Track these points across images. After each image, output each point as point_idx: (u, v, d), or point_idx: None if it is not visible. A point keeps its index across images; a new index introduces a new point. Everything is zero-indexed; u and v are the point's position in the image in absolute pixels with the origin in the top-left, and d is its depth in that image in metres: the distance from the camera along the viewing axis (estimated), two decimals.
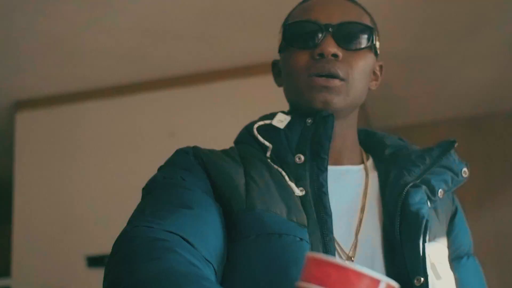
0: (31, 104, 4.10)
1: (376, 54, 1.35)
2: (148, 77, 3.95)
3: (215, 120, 3.86)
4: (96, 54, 3.64)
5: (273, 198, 1.21)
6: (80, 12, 3.25)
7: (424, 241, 1.19)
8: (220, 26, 3.49)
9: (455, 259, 1.35)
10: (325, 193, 1.24)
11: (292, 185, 1.24)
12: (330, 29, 1.28)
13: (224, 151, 1.37)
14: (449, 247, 1.34)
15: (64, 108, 4.08)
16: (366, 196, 1.31)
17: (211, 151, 1.35)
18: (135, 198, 3.77)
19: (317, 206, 1.22)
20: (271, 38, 3.52)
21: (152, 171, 3.92)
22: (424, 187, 1.28)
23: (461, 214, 1.40)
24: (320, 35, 1.28)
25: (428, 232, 1.20)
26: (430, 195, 1.28)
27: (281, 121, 1.34)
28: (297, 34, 1.32)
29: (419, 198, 1.25)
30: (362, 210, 1.28)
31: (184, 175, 1.27)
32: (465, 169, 1.34)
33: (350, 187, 1.32)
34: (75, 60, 3.70)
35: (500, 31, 3.70)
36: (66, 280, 3.75)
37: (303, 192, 1.23)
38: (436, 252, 1.25)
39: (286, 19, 1.39)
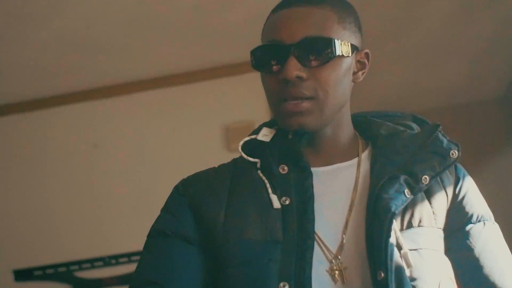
0: None
1: (353, 50, 1.33)
2: (71, 89, 3.95)
3: (139, 130, 3.91)
4: (16, 68, 3.62)
5: (248, 222, 1.27)
6: (3, 26, 3.24)
7: (388, 236, 1.19)
8: (144, 38, 3.53)
9: (458, 230, 1.34)
10: (310, 198, 1.27)
11: (274, 197, 1.29)
12: (292, 49, 1.26)
13: (218, 170, 1.44)
14: (449, 220, 1.33)
15: None
16: (356, 192, 1.32)
17: (201, 178, 1.42)
18: (61, 211, 3.81)
19: (300, 213, 1.26)
20: (193, 48, 3.64)
21: (76, 183, 3.97)
22: (403, 176, 1.28)
23: (467, 183, 1.39)
24: (282, 57, 1.27)
25: (392, 226, 1.21)
26: (412, 183, 1.28)
27: (265, 135, 1.38)
28: (263, 59, 1.32)
29: (394, 190, 1.26)
30: (351, 208, 1.29)
31: (170, 225, 1.38)
32: (453, 150, 1.32)
33: (340, 186, 1.33)
34: None
35: (408, 37, 3.88)
36: None
37: (287, 202, 1.27)
38: (416, 238, 1.26)
39: (262, 34, 1.39)
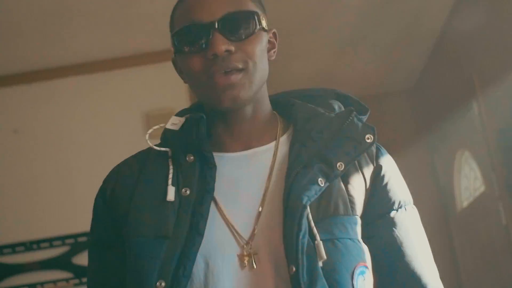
0: None
1: (266, 30, 1.33)
2: None
3: (60, 116, 3.93)
4: None
5: (144, 217, 1.27)
6: None
7: (299, 230, 1.17)
8: (62, 23, 3.55)
9: (380, 217, 1.31)
10: (209, 192, 1.25)
11: (170, 189, 1.27)
12: (215, 26, 1.25)
13: (131, 161, 1.42)
14: (370, 207, 1.31)
15: None
16: (270, 181, 1.29)
17: (117, 172, 1.41)
18: None
19: (196, 206, 1.24)
20: (114, 35, 3.70)
21: None
22: (317, 165, 1.26)
23: (387, 167, 1.35)
24: (207, 35, 1.25)
25: (303, 220, 1.18)
26: (327, 170, 1.26)
27: (174, 123, 1.36)
28: (185, 40, 1.29)
29: (307, 180, 1.23)
30: (264, 196, 1.27)
31: (92, 231, 1.41)
32: (368, 135, 1.30)
33: (256, 172, 1.31)
34: None
35: (323, 29, 4.03)
36: None
37: (187, 193, 1.26)
38: (331, 227, 1.23)
39: (171, 25, 1.36)
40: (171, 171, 1.30)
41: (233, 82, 1.25)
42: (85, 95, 3.96)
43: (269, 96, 1.43)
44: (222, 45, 1.24)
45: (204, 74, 1.27)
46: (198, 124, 1.31)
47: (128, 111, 3.90)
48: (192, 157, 1.30)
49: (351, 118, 1.32)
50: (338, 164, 1.26)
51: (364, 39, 4.27)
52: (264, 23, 1.31)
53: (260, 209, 1.25)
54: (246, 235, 1.24)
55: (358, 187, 1.30)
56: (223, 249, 1.23)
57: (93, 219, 1.42)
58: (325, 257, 1.18)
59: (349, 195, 1.28)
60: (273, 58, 1.38)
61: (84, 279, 3.59)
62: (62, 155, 3.87)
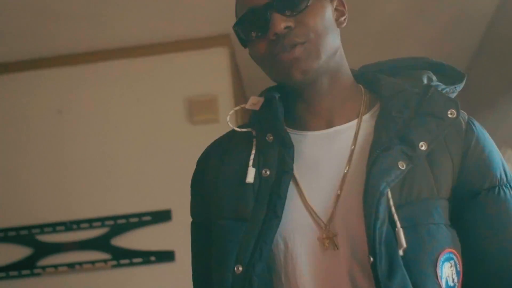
0: None
1: None
2: (34, 55, 3.98)
3: (102, 98, 3.96)
4: None
5: (225, 200, 1.29)
6: None
7: (376, 218, 1.14)
8: (107, 6, 3.57)
9: (470, 198, 1.24)
10: (287, 172, 1.25)
11: (250, 170, 1.28)
12: (271, 6, 1.26)
13: (217, 144, 1.45)
14: (460, 187, 1.24)
15: None
16: (350, 163, 1.26)
17: (208, 154, 1.45)
18: (24, 174, 3.85)
19: (274, 188, 1.24)
20: (157, 20, 3.70)
21: (40, 147, 4.02)
22: (398, 147, 1.21)
23: (478, 143, 1.27)
24: (265, 17, 1.26)
25: (380, 208, 1.15)
26: (409, 152, 1.21)
27: (254, 104, 1.38)
28: (247, 28, 1.31)
29: (387, 164, 1.19)
30: (344, 178, 1.24)
31: (191, 210, 1.48)
32: (451, 110, 1.24)
33: (337, 152, 1.29)
34: None
35: (369, 21, 4.00)
36: None
37: (267, 173, 1.26)
38: (414, 213, 1.18)
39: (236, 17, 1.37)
40: (253, 152, 1.31)
41: (298, 56, 1.25)
42: (128, 79, 3.99)
43: (358, 69, 1.42)
44: (281, 23, 1.24)
45: (270, 56, 1.28)
46: (272, 103, 1.33)
47: (171, 97, 3.91)
48: (271, 137, 1.30)
49: (430, 93, 1.28)
50: (421, 144, 1.21)
51: (408, 31, 4.22)
52: None
53: (339, 192, 1.23)
54: (325, 217, 1.22)
55: (445, 166, 1.23)
56: (302, 231, 1.22)
57: (191, 201, 1.47)
58: (404, 245, 1.13)
59: (435, 176, 1.22)
60: (344, 25, 1.37)
61: (122, 261, 3.65)
62: (104, 137, 3.90)
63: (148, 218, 3.69)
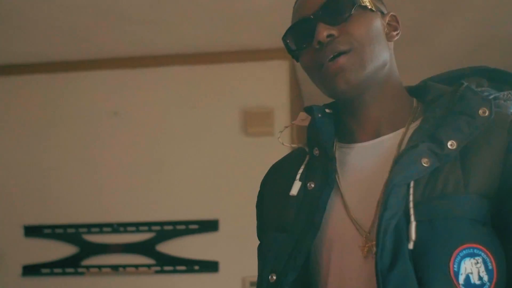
0: None
1: (377, 9, 1.33)
2: (95, 55, 4.02)
3: (160, 103, 3.96)
4: (47, 28, 3.67)
5: (270, 212, 1.36)
6: None
7: (384, 209, 1.13)
8: (171, 12, 3.56)
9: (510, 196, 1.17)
10: (328, 184, 1.26)
11: (296, 184, 1.31)
12: (316, 16, 1.27)
13: (280, 161, 1.50)
14: (502, 184, 1.17)
15: (10, 79, 4.12)
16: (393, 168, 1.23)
17: (269, 170, 1.50)
18: (76, 174, 3.87)
19: (315, 199, 1.26)
20: (220, 29, 3.68)
21: (94, 148, 4.04)
22: (425, 144, 1.20)
23: None
24: (311, 28, 1.28)
25: (390, 200, 1.13)
26: (437, 150, 1.19)
27: (302, 119, 1.39)
28: (294, 40, 1.34)
29: (408, 161, 1.18)
30: (386, 185, 1.20)
31: (258, 234, 1.45)
32: (483, 108, 1.21)
33: (379, 161, 1.28)
34: (26, 32, 3.72)
35: (434, 43, 3.91)
36: (3, 248, 3.82)
37: (312, 186, 1.29)
38: (434, 208, 1.15)
39: None
40: (302, 166, 1.34)
41: (342, 65, 1.25)
42: (186, 85, 3.98)
43: (418, 83, 1.41)
44: (324, 31, 1.25)
45: (316, 66, 1.29)
46: (314, 118, 1.34)
47: (227, 106, 3.89)
48: (317, 151, 1.33)
49: (459, 92, 1.26)
50: (450, 142, 1.19)
51: (471, 58, 4.12)
52: (367, 3, 1.30)
53: (380, 199, 1.21)
54: (366, 226, 1.21)
55: (483, 164, 1.18)
56: (343, 240, 1.22)
57: (256, 223, 1.48)
58: (414, 238, 1.11)
59: (465, 173, 1.17)
60: (395, 38, 1.37)
61: (166, 268, 3.64)
62: (158, 141, 3.90)
63: (195, 226, 3.67)
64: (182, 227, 3.68)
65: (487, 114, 1.20)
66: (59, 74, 4.08)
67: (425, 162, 1.17)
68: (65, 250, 3.76)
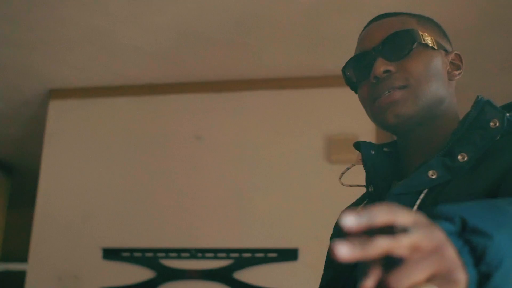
0: (65, 94, 4.19)
1: (440, 48, 1.34)
2: (179, 79, 4.01)
3: (242, 127, 3.92)
4: (131, 50, 3.69)
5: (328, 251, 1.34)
6: (120, 7, 3.30)
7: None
8: (255, 35, 3.53)
9: None
10: None
11: None
12: (376, 51, 1.31)
13: (354, 202, 1.51)
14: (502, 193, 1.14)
15: (95, 101, 4.16)
16: None
17: (339, 218, 1.54)
18: (156, 198, 3.87)
19: None
20: (304, 53, 3.61)
21: (175, 172, 4.03)
22: (439, 158, 1.21)
23: None
24: (370, 61, 1.31)
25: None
26: (449, 163, 1.20)
27: (360, 159, 1.41)
28: (354, 72, 1.37)
29: (416, 174, 1.22)
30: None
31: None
32: (494, 120, 1.22)
33: None
34: (110, 54, 3.75)
35: None
36: (81, 269, 3.81)
37: None
38: (429, 213, 1.07)
39: None
40: (362, 204, 1.38)
41: (395, 99, 1.27)
42: (269, 110, 3.93)
43: None
44: (382, 66, 1.28)
45: (370, 99, 1.31)
46: (363, 157, 1.38)
47: (310, 132, 3.81)
48: (371, 188, 1.36)
49: (476, 106, 1.26)
50: (460, 154, 1.20)
51: None
52: (429, 41, 1.32)
53: None
54: None
55: (492, 174, 1.15)
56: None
57: None
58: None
59: (474, 184, 1.15)
60: (457, 78, 1.38)
61: None
62: (240, 167, 3.85)
63: (274, 255, 3.59)
64: (261, 255, 3.60)
65: (498, 125, 1.20)
66: (142, 97, 4.10)
67: (431, 174, 1.19)
68: (143, 274, 3.73)
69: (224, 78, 3.98)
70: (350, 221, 0.69)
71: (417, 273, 0.65)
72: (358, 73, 1.36)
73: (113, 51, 3.72)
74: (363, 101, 1.35)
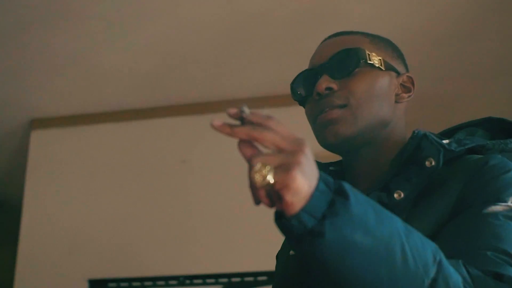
0: (46, 123, 4.10)
1: (389, 69, 1.33)
2: (162, 102, 3.94)
3: (228, 148, 3.80)
4: (112, 75, 3.63)
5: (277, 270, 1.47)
6: (98, 30, 3.23)
7: None
8: (238, 53, 3.46)
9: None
10: None
11: None
12: (323, 67, 1.31)
13: None
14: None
15: (78, 129, 4.07)
16: None
17: None
18: (142, 225, 3.76)
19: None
20: (287, 70, 3.52)
21: (162, 197, 3.93)
22: (376, 193, 1.20)
23: (472, 192, 1.14)
24: (317, 77, 1.31)
25: None
26: (386, 200, 1.18)
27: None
28: (301, 87, 1.37)
29: None
30: None
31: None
32: (430, 158, 1.19)
33: None
34: (91, 80, 3.68)
35: None
36: None
37: None
38: None
39: None
40: None
41: (333, 117, 1.26)
42: None
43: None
44: (324, 83, 1.27)
45: (313, 116, 1.31)
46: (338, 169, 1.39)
47: None
48: None
49: (412, 142, 1.23)
50: (396, 193, 1.19)
51: None
52: (376, 61, 1.31)
53: None
54: None
55: (430, 215, 1.14)
56: None
57: None
58: None
59: (413, 225, 1.07)
60: (405, 101, 1.35)
61: None
62: (227, 189, 3.74)
63: (263, 278, 3.49)
64: (250, 279, 3.50)
65: (433, 164, 1.19)
66: (126, 122, 4.02)
67: None
68: None
69: (207, 99, 3.90)
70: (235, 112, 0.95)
71: (261, 132, 0.90)
72: (306, 89, 1.35)
73: (94, 76, 3.66)
74: (308, 118, 1.34)
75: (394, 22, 3.09)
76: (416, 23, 3.15)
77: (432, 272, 0.90)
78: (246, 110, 0.94)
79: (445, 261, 0.93)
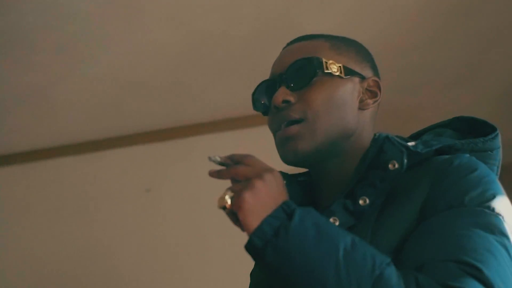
0: (6, 160, 4.00)
1: (350, 74, 1.27)
2: (123, 131, 3.87)
3: (192, 175, 3.75)
4: (69, 107, 3.55)
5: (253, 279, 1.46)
6: (52, 61, 3.16)
7: None
8: (195, 76, 3.42)
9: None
10: None
11: None
12: (281, 78, 1.26)
13: None
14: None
15: (38, 164, 3.97)
16: None
17: None
18: (110, 257, 3.68)
19: None
20: (248, 90, 3.47)
21: (127, 227, 3.85)
22: (341, 201, 1.18)
23: (439, 193, 1.12)
24: (274, 89, 1.27)
25: None
26: (351, 207, 1.17)
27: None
28: (262, 97, 1.33)
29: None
30: None
31: None
32: (393, 161, 1.17)
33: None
34: (49, 113, 3.60)
35: (492, 79, 3.64)
36: None
37: None
38: None
39: None
40: None
41: (291, 134, 1.22)
42: (221, 153, 3.77)
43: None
44: (280, 96, 1.23)
45: (272, 131, 1.28)
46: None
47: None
48: None
49: (375, 145, 1.20)
50: (361, 199, 1.16)
51: None
52: (334, 69, 1.25)
53: None
54: None
55: (398, 218, 1.12)
56: None
57: None
58: None
59: (376, 232, 1.13)
60: (370, 107, 1.30)
61: None
62: (193, 217, 3.70)
63: None
64: None
65: (396, 166, 1.16)
66: (87, 154, 3.94)
67: (333, 221, 1.15)
68: None
69: (169, 126, 3.85)
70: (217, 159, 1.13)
71: (236, 168, 1.11)
72: (267, 99, 1.31)
73: (51, 109, 3.58)
74: (270, 130, 1.30)
75: (352, 34, 3.05)
76: (375, 34, 3.13)
77: (367, 286, 0.94)
78: (217, 158, 1.14)
79: (387, 275, 0.95)
